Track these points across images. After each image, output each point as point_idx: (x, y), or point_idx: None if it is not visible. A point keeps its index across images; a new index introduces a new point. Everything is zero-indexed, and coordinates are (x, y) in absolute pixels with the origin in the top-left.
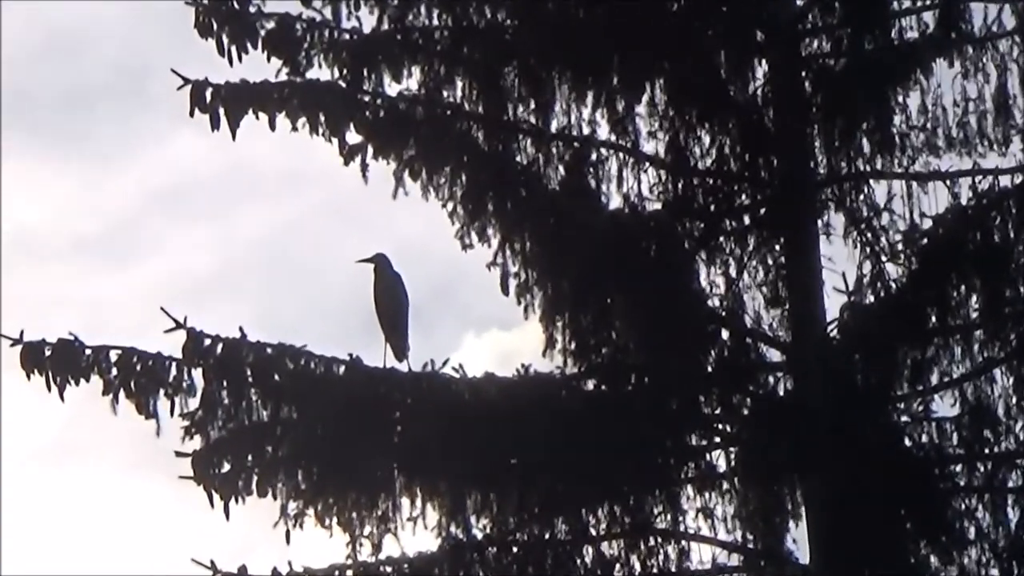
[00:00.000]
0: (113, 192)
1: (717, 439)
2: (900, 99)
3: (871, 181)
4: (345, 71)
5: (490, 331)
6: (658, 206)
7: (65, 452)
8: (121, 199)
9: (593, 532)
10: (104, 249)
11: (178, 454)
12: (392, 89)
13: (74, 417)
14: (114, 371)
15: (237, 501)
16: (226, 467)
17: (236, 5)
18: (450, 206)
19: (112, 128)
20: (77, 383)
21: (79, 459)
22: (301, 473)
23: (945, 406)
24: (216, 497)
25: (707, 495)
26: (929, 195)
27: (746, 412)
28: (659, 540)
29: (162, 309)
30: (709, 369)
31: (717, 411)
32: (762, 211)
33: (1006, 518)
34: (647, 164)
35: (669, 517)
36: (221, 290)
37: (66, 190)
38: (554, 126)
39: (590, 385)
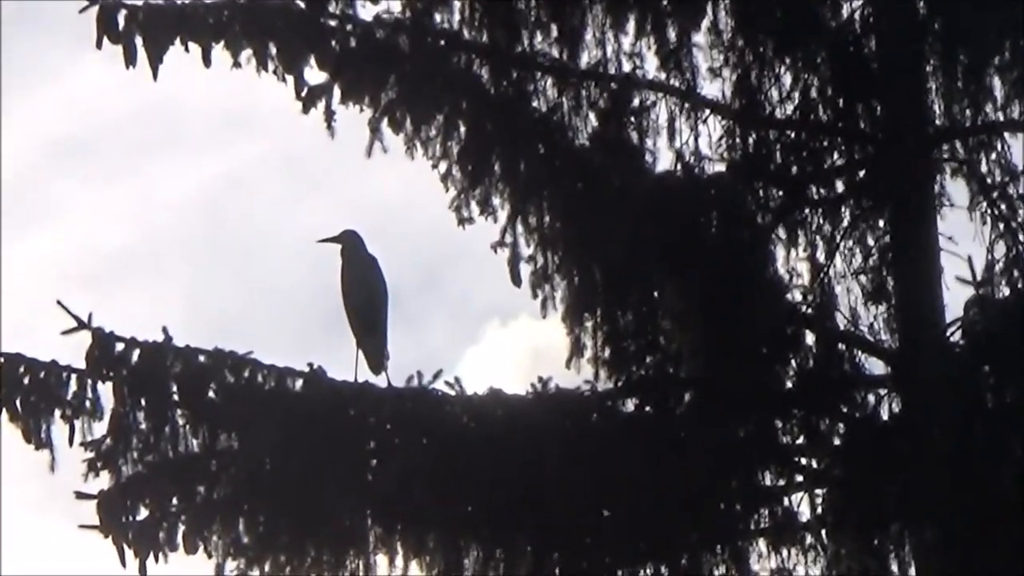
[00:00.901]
0: None
1: (799, 478)
2: None
3: (1006, 135)
4: None
5: (518, 319)
6: (722, 167)
7: None
8: (6, 151)
9: None
10: None
11: (79, 495)
12: (367, 11)
13: None
14: None
15: (157, 559)
16: (143, 513)
17: None
18: (443, 167)
19: None
20: None
21: None
22: (243, 522)
23: None
24: (129, 553)
25: (785, 552)
26: None
27: (838, 442)
28: None
29: (59, 303)
30: (788, 385)
31: (799, 440)
32: (860, 174)
33: None
34: (707, 112)
35: None
36: (138, 273)
37: None
38: (584, 61)
39: (630, 406)
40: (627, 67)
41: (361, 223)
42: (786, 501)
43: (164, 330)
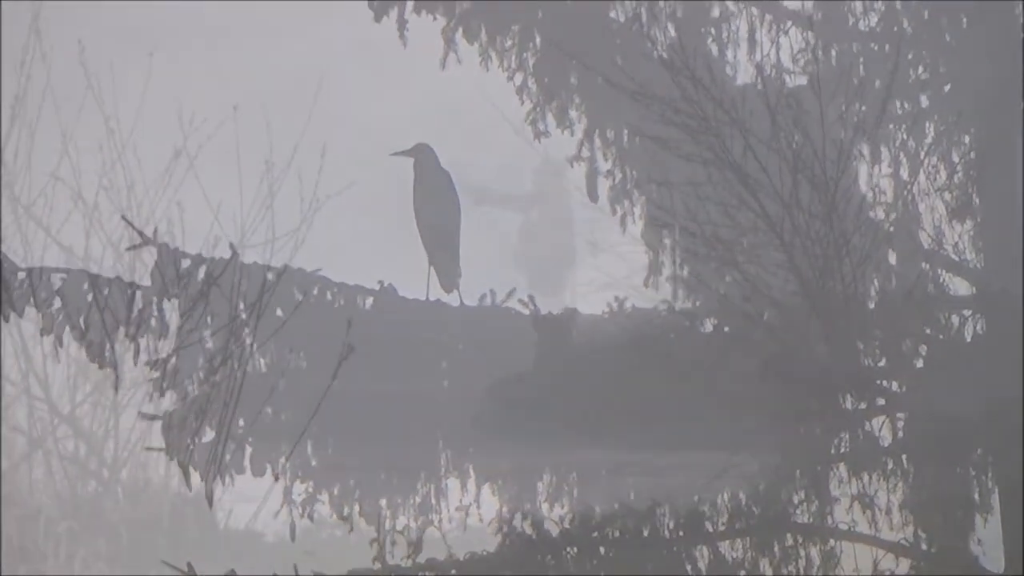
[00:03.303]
0: None
1: (880, 401)
2: None
3: None
4: None
5: None
6: (804, 80)
7: None
8: None
9: (709, 527)
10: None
11: (143, 416)
12: None
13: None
14: (56, 302)
15: (224, 481)
16: (209, 435)
17: None
18: (518, 79)
19: None
20: (6, 319)
21: None
22: (311, 444)
23: None
24: (195, 475)
25: (865, 478)
26: None
27: (921, 364)
28: (799, 539)
29: (123, 218)
30: (870, 305)
31: (881, 363)
32: (946, 87)
33: None
34: (789, 23)
35: (813, 508)
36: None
37: None
38: None
39: (708, 326)
40: None
41: (437, 119)
42: (867, 425)
43: (231, 246)
